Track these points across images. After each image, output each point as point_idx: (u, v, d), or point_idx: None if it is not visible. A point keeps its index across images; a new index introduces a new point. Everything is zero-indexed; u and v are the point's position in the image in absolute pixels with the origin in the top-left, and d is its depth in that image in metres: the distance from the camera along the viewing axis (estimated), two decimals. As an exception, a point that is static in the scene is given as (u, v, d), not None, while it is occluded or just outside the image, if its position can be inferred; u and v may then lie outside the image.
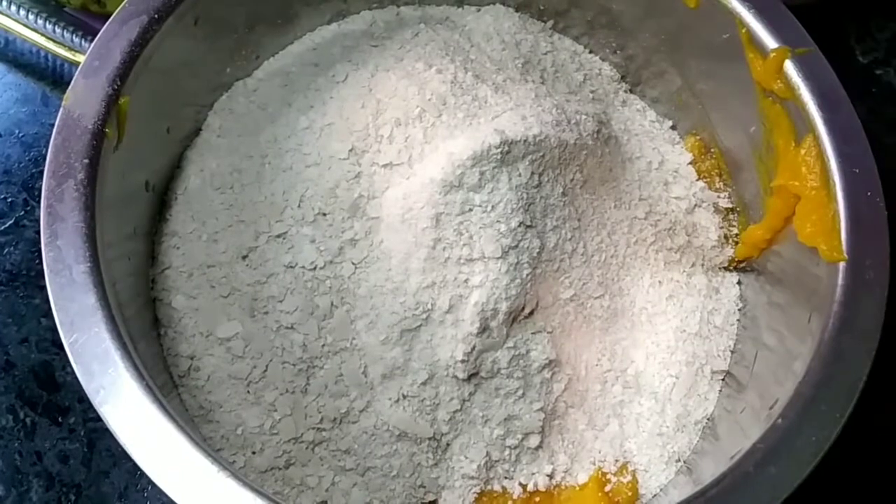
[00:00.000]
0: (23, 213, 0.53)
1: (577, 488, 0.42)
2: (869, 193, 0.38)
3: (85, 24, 0.55)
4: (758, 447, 0.34)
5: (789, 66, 0.41)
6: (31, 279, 0.51)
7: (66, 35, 0.54)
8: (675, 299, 0.47)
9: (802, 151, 0.40)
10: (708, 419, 0.45)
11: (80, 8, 0.56)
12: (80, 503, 0.46)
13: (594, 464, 0.43)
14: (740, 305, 0.47)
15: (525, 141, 0.42)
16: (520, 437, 0.42)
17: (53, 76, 0.58)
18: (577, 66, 0.52)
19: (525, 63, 0.49)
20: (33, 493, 0.47)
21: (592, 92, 0.51)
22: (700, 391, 0.45)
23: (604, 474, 0.43)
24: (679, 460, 0.43)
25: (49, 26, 0.54)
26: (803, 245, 0.40)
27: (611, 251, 0.46)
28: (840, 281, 0.37)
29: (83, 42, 0.53)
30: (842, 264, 0.37)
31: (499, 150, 0.41)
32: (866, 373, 0.35)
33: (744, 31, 0.43)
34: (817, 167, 0.39)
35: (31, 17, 0.54)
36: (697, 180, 0.49)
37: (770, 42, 0.42)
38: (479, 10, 0.52)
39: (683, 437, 0.44)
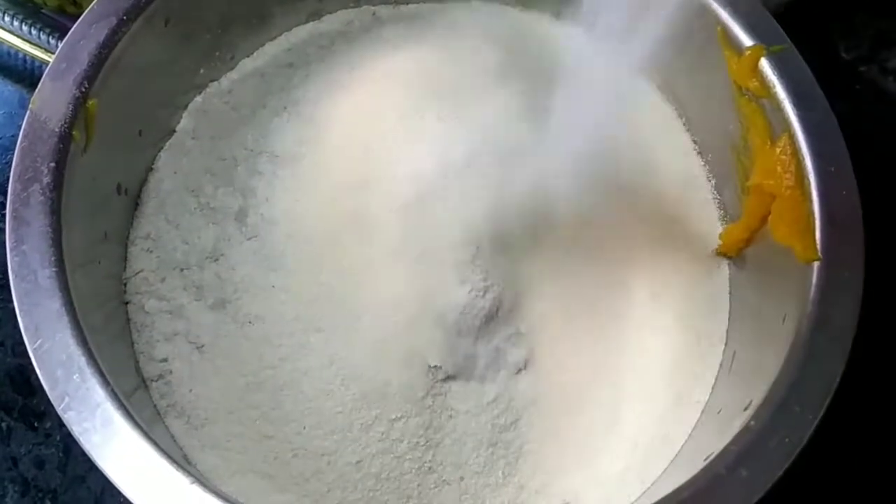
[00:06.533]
0: (-1, 215, 0.53)
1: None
2: (844, 192, 0.38)
3: (62, 25, 0.54)
4: (730, 449, 0.33)
5: (764, 64, 0.41)
6: (7, 282, 0.51)
7: (43, 37, 0.53)
8: (660, 300, 0.46)
9: (777, 150, 0.40)
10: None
11: (57, 9, 0.55)
12: (56, 508, 0.46)
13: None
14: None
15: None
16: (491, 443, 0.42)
17: (31, 78, 0.58)
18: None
19: (501, 62, 0.49)
20: (9, 498, 0.46)
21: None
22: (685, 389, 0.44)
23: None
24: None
25: (25, 28, 0.53)
26: (780, 244, 0.40)
27: (594, 251, 0.45)
28: (814, 281, 0.36)
29: (59, 44, 0.52)
30: (816, 264, 0.37)
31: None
32: (840, 374, 0.34)
33: (720, 28, 0.42)
34: (792, 166, 0.39)
35: (7, 18, 0.54)
36: (679, 178, 0.48)
37: (745, 40, 0.42)
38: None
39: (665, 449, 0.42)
